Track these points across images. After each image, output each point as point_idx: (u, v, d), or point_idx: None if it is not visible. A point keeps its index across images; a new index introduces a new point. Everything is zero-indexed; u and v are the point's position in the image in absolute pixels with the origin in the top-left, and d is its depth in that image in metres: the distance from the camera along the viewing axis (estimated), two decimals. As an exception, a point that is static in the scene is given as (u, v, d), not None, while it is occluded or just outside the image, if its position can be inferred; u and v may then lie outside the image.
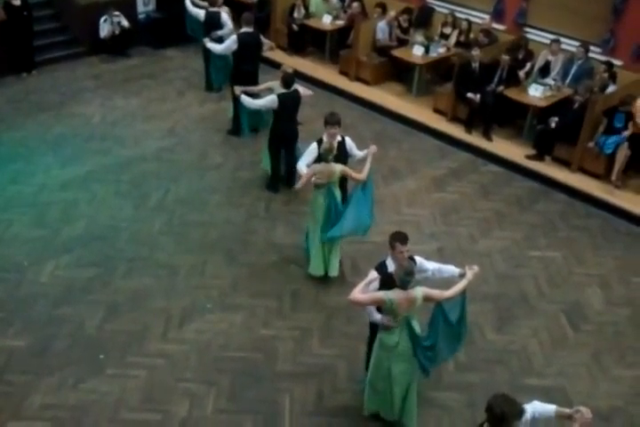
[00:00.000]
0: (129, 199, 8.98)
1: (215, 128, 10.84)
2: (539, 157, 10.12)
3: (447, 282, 5.82)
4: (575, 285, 7.96)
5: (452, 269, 5.91)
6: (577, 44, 10.70)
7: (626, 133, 9.44)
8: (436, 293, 5.50)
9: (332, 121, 7.48)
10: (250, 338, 6.95)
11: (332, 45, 12.98)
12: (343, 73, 12.50)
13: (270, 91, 9.13)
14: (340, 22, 12.75)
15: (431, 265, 5.93)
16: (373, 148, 7.56)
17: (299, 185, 7.40)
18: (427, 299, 5.47)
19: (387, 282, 5.57)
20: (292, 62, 12.51)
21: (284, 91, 8.75)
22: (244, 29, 10.14)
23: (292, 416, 6.14)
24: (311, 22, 12.92)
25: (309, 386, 6.44)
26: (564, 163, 9.99)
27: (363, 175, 7.26)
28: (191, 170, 9.72)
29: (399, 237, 5.77)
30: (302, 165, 7.49)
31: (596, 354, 7.00)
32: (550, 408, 4.60)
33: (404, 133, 11.00)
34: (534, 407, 4.56)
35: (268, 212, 8.92)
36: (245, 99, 8.92)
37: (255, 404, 6.23)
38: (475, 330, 7.10)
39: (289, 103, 8.77)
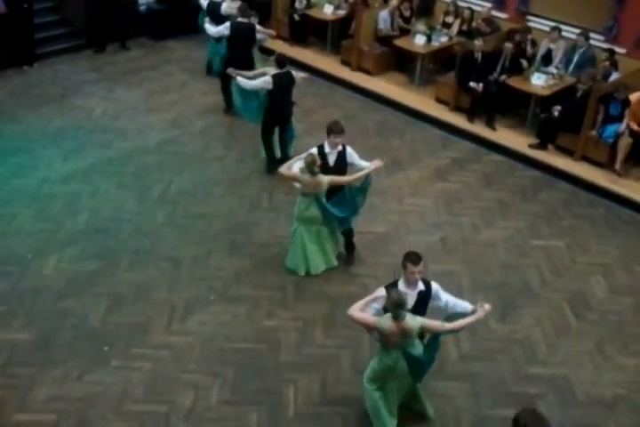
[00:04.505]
0: (132, 191, 8.98)
1: (217, 119, 10.82)
2: (542, 146, 10.08)
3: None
4: (578, 274, 7.95)
5: (465, 306, 5.66)
6: (579, 31, 10.63)
7: (623, 123, 9.37)
8: (436, 325, 5.34)
9: (336, 130, 7.30)
10: (253, 329, 6.96)
11: (333, 35, 12.95)
12: (345, 63, 12.46)
13: (264, 75, 9.17)
14: (342, 12, 12.70)
15: (445, 297, 5.69)
16: (377, 163, 7.31)
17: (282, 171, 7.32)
18: (425, 330, 5.37)
19: None
20: (293, 52, 12.47)
21: (277, 71, 8.83)
22: (238, 19, 10.34)
23: (297, 407, 6.16)
24: (313, 12, 12.87)
25: (313, 377, 6.46)
26: (568, 152, 9.95)
27: (347, 179, 7.24)
28: (194, 161, 9.71)
29: (411, 258, 5.54)
30: (294, 167, 7.31)
31: (599, 343, 7.00)
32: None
33: (406, 123, 10.96)
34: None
35: (270, 203, 8.92)
36: (242, 80, 8.98)
37: (259, 395, 6.25)
38: (478, 319, 7.12)
39: (283, 83, 8.88)
